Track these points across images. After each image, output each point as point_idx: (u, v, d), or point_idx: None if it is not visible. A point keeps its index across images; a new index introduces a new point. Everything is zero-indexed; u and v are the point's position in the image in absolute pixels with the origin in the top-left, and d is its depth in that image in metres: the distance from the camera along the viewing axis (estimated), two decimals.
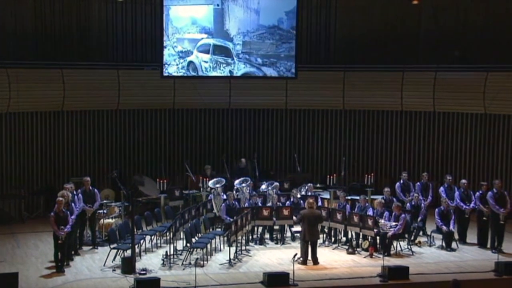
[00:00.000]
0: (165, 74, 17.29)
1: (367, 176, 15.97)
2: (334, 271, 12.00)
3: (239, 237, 12.80)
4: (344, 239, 13.79)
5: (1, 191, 16.18)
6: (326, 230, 13.92)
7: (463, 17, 18.16)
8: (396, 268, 11.71)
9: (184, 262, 12.21)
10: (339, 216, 13.39)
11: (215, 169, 16.50)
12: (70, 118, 17.02)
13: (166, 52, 17.18)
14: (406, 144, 18.13)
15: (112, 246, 12.27)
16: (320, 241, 13.23)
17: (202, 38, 17.40)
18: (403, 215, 13.17)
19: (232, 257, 12.39)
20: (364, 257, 12.89)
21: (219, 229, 14.06)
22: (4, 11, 16.64)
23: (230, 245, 12.66)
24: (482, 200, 13.64)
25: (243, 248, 13.10)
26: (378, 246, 13.10)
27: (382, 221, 13.12)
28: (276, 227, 14.02)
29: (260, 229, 13.97)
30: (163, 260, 12.30)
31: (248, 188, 14.79)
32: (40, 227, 14.73)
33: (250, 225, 13.40)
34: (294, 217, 13.47)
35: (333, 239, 13.87)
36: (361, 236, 13.33)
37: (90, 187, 13.45)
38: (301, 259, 12.42)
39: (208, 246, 12.73)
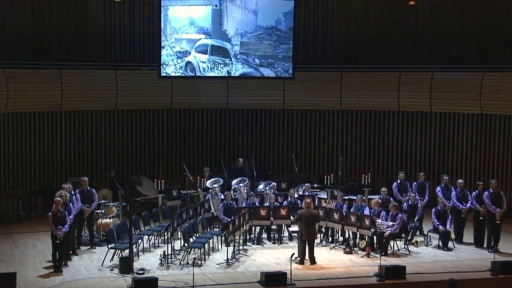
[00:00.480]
0: (163, 74, 17.31)
1: (364, 176, 16.01)
2: (332, 271, 12.03)
3: (237, 237, 12.82)
4: (341, 238, 13.82)
5: None
6: (323, 230, 13.95)
7: (460, 17, 18.22)
8: (393, 268, 11.75)
9: (182, 262, 12.22)
10: (336, 216, 13.42)
11: (213, 169, 16.52)
12: (68, 118, 17.04)
13: (164, 52, 17.21)
14: (403, 144, 18.18)
15: (110, 246, 12.28)
16: (317, 240, 13.26)
17: (200, 39, 17.44)
18: (400, 215, 13.21)
19: (229, 256, 12.42)
20: (361, 257, 12.92)
21: (217, 229, 14.08)
22: (2, 11, 16.64)
23: (227, 245, 12.73)
24: (478, 200, 13.68)
25: (241, 248, 13.12)
26: (375, 245, 13.14)
27: (379, 220, 13.16)
28: (273, 227, 14.04)
29: (257, 229, 13.98)
30: (161, 260, 12.31)
31: (245, 188, 14.82)
32: (38, 227, 14.73)
33: (247, 225, 13.42)
34: (291, 217, 13.50)
35: (330, 238, 13.90)
36: (358, 236, 13.36)
37: (88, 187, 13.46)
38: (299, 258, 12.44)
39: (206, 246, 12.75)
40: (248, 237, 13.86)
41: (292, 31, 17.72)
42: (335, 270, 12.06)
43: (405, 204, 14.27)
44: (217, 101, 18.03)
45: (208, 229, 13.97)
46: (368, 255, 12.91)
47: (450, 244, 13.57)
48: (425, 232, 14.05)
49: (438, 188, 14.50)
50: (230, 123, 18.26)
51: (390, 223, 13.09)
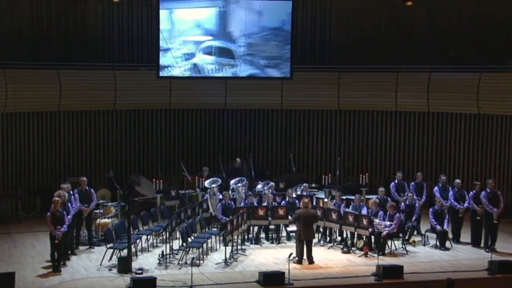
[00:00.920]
0: (164, 75, 17.30)
1: (362, 176, 16.07)
2: (329, 270, 12.05)
3: (235, 237, 12.85)
4: (339, 238, 13.87)
5: None
6: (321, 230, 13.97)
7: (457, 18, 18.27)
8: (391, 267, 11.77)
9: (180, 262, 12.25)
10: (334, 216, 13.46)
11: (211, 169, 16.55)
12: (67, 119, 17.05)
13: (170, 54, 17.20)
14: (401, 144, 18.22)
15: (108, 245, 12.30)
16: (315, 240, 13.25)
17: (206, 41, 17.46)
18: (397, 215, 13.24)
19: (228, 256, 12.44)
20: (359, 256, 12.95)
21: (215, 229, 14.11)
22: (1, 12, 16.65)
23: (226, 245, 12.74)
24: (475, 199, 13.71)
25: (239, 247, 13.14)
26: (373, 245, 13.16)
27: (376, 220, 13.21)
28: (271, 227, 14.07)
29: (255, 228, 14.01)
30: (159, 259, 12.35)
31: (243, 188, 14.85)
32: (36, 227, 14.75)
33: (245, 224, 13.45)
34: (289, 217, 13.51)
35: (328, 238, 13.94)
36: (356, 236, 13.39)
37: (87, 187, 13.48)
38: (297, 258, 12.47)
39: (204, 245, 12.77)
40: (246, 237, 13.88)
41: (291, 32, 17.74)
42: (333, 270, 12.09)
43: (402, 204, 14.31)
44: (216, 101, 18.07)
45: (207, 229, 13.98)
46: (366, 255, 12.95)
47: (447, 244, 13.60)
48: (423, 232, 14.08)
49: (436, 188, 14.53)
50: (228, 123, 18.29)
51: (388, 223, 13.13)
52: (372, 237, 13.17)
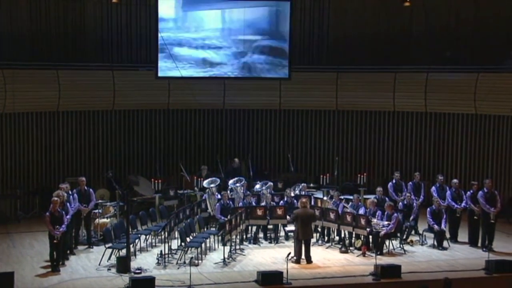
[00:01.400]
0: (163, 75, 17.36)
1: (359, 176, 16.11)
2: (327, 270, 12.09)
3: (233, 237, 12.88)
4: (337, 238, 13.89)
5: None
6: (319, 229, 14.02)
7: (454, 18, 18.34)
8: (389, 267, 11.80)
9: (178, 261, 12.28)
10: (332, 216, 13.50)
11: (210, 169, 16.58)
12: (66, 119, 17.08)
13: (222, 52, 17.35)
14: (399, 144, 18.27)
15: (107, 245, 12.33)
16: (313, 240, 13.31)
17: (258, 40, 17.50)
18: (395, 215, 13.29)
19: (226, 256, 12.47)
20: (357, 256, 12.99)
21: (214, 229, 14.15)
22: None
23: (224, 244, 12.76)
24: (473, 199, 13.76)
25: (237, 247, 13.17)
26: (370, 245, 13.20)
27: (374, 220, 13.24)
28: (270, 227, 14.11)
29: (254, 228, 14.04)
30: (158, 259, 12.37)
31: (242, 188, 14.88)
32: (35, 226, 14.78)
33: (244, 224, 13.48)
34: (287, 217, 13.56)
35: (326, 238, 13.98)
36: (354, 235, 13.42)
37: (86, 187, 13.50)
38: (295, 258, 12.51)
39: (203, 245, 12.80)
40: (244, 236, 13.92)
41: (289, 32, 17.78)
42: (331, 269, 12.13)
43: (400, 203, 14.35)
44: (214, 101, 18.11)
45: (205, 229, 14.03)
46: (363, 254, 12.99)
47: (445, 243, 13.65)
48: (420, 232, 14.12)
49: (433, 188, 14.58)
50: (227, 123, 18.33)
51: (386, 223, 13.16)
52: (370, 236, 13.21)
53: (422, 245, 13.82)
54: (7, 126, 16.34)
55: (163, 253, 12.32)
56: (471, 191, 13.88)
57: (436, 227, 13.59)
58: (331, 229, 13.87)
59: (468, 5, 18.15)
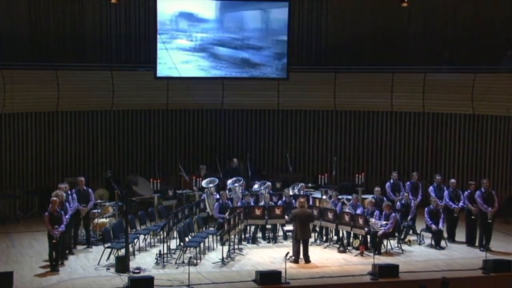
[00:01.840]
0: (162, 75, 17.39)
1: (357, 176, 16.15)
2: (326, 270, 12.13)
3: (232, 236, 12.92)
4: (335, 238, 13.93)
5: None
6: (317, 229, 14.05)
7: (451, 19, 18.40)
8: (386, 266, 11.86)
9: (177, 261, 12.31)
10: (330, 215, 13.54)
11: (208, 169, 16.62)
12: (65, 119, 17.09)
13: (263, 53, 17.48)
14: (396, 144, 18.32)
15: (106, 245, 12.36)
16: (311, 239, 13.35)
17: None
18: (393, 214, 13.33)
19: (225, 256, 12.51)
20: (355, 256, 13.03)
21: (212, 228, 14.19)
22: None
23: (223, 244, 12.81)
24: (470, 199, 13.80)
25: (236, 247, 13.21)
26: (368, 244, 13.24)
27: (372, 220, 13.29)
28: (268, 226, 14.14)
29: (252, 228, 14.07)
30: (156, 259, 12.40)
31: (240, 187, 14.92)
32: (34, 226, 14.80)
33: (242, 224, 13.52)
34: (286, 216, 13.59)
35: (324, 238, 14.02)
36: (352, 235, 13.47)
37: (85, 187, 13.54)
38: (293, 257, 12.55)
39: (201, 245, 12.83)
40: (243, 236, 13.96)
41: (287, 33, 17.82)
42: (329, 269, 12.17)
43: (398, 203, 14.40)
44: (213, 101, 18.14)
45: (204, 229, 14.06)
46: (361, 254, 13.03)
47: (442, 243, 13.70)
48: (418, 231, 14.16)
49: (431, 188, 14.62)
50: (225, 124, 18.35)
51: (384, 222, 13.21)
52: (368, 236, 13.25)
53: (420, 244, 13.86)
54: (6, 126, 16.35)
55: (162, 252, 12.36)
56: (469, 191, 13.92)
57: (433, 226, 13.63)
58: (329, 229, 13.91)
59: (465, 6, 18.22)
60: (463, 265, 12.48)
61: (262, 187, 15.01)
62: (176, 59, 17.36)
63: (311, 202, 14.62)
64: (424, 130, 18.00)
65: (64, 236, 12.08)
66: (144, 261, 12.50)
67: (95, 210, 14.02)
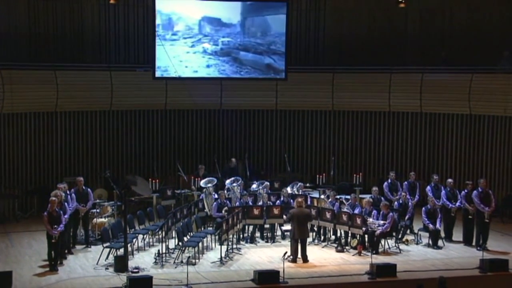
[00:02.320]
0: (159, 76, 17.44)
1: (355, 176, 16.21)
2: (323, 269, 12.17)
3: (230, 236, 12.97)
4: (333, 237, 13.98)
5: None
6: (315, 229, 14.09)
7: (449, 19, 18.46)
8: (384, 266, 11.90)
9: (176, 261, 12.34)
10: (328, 215, 13.58)
11: (207, 169, 16.68)
12: (64, 119, 17.11)
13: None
14: (394, 144, 18.36)
15: (105, 245, 12.38)
16: (309, 239, 13.37)
17: None
18: (391, 214, 13.37)
19: (223, 255, 12.55)
20: (353, 255, 13.07)
21: (211, 228, 14.22)
22: None
23: (221, 244, 12.85)
24: (467, 199, 13.85)
25: (234, 246, 13.24)
26: (366, 244, 13.28)
27: (370, 219, 13.33)
28: (266, 226, 14.17)
29: (251, 227, 14.11)
30: (155, 258, 12.43)
31: (239, 187, 14.96)
32: (33, 226, 14.83)
33: (241, 224, 13.56)
34: (284, 216, 13.63)
35: (322, 237, 14.06)
36: (349, 235, 13.50)
37: (83, 187, 13.56)
38: (291, 257, 12.58)
39: (200, 244, 12.86)
40: (241, 236, 14.00)
41: (285, 33, 17.87)
42: (327, 268, 12.20)
43: (396, 203, 14.45)
44: (211, 101, 18.17)
45: (202, 228, 14.10)
46: (359, 254, 13.07)
47: (440, 243, 13.74)
48: (416, 231, 14.21)
49: (428, 188, 14.66)
50: (223, 124, 18.38)
51: (381, 222, 13.25)
52: (366, 236, 13.30)
53: (417, 244, 13.90)
54: (5, 126, 16.38)
55: (160, 252, 12.39)
56: (466, 191, 13.97)
57: (431, 226, 13.68)
58: (327, 228, 13.96)
59: (462, 6, 18.28)
60: (460, 265, 12.52)
61: (260, 187, 15.05)
62: (199, 63, 17.46)
63: (309, 202, 14.68)
64: (422, 130, 18.04)
65: (63, 235, 12.10)
66: (143, 260, 12.52)
67: (94, 210, 14.03)
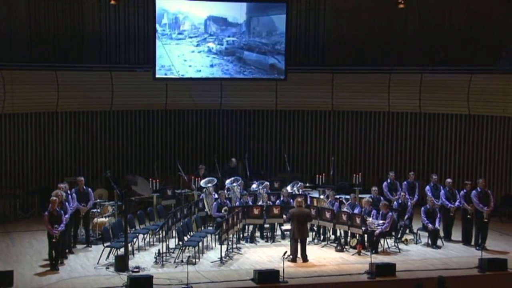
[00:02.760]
0: (160, 76, 17.50)
1: (355, 176, 16.25)
2: (323, 268, 12.20)
3: (230, 236, 13.00)
4: (332, 237, 14.01)
5: None
6: (315, 228, 14.12)
7: (448, 20, 18.49)
8: (383, 265, 11.92)
9: (176, 260, 12.37)
10: (327, 215, 13.61)
11: (207, 169, 16.72)
12: (64, 119, 17.15)
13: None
14: (393, 144, 18.39)
15: (105, 244, 12.41)
16: (309, 239, 13.40)
17: None
18: (390, 214, 13.39)
19: (223, 255, 12.58)
20: (352, 255, 13.10)
21: (211, 228, 14.26)
22: None
23: (221, 243, 12.88)
24: (466, 198, 13.87)
25: (234, 246, 13.27)
26: (366, 243, 13.30)
27: (369, 219, 13.36)
28: (266, 226, 14.21)
29: (250, 227, 14.13)
30: (155, 258, 12.46)
31: (239, 187, 15.00)
32: (34, 226, 14.85)
33: (241, 223, 13.58)
34: (284, 216, 13.67)
35: (322, 237, 14.09)
36: (349, 234, 13.53)
37: (84, 187, 13.59)
38: (291, 256, 12.61)
39: (200, 244, 12.89)
40: (241, 235, 14.03)
41: (285, 33, 17.92)
42: (326, 268, 12.24)
43: (395, 203, 14.48)
44: (211, 102, 18.20)
45: (202, 228, 14.13)
46: (359, 253, 13.10)
47: (439, 242, 13.76)
48: (415, 230, 14.24)
49: (427, 187, 14.69)
50: (223, 124, 18.41)
51: (381, 222, 13.28)
52: (365, 235, 13.32)
53: (416, 243, 13.94)
54: (6, 127, 16.41)
55: (160, 252, 12.42)
56: (465, 191, 13.99)
57: (430, 226, 13.71)
58: (326, 228, 13.99)
59: (461, 7, 18.32)
60: (459, 264, 12.55)
61: (260, 187, 15.08)
62: (203, 62, 17.50)
63: (309, 202, 14.71)
64: (421, 130, 18.07)
65: (63, 235, 12.13)
66: (143, 260, 12.56)
67: (95, 210, 14.06)
